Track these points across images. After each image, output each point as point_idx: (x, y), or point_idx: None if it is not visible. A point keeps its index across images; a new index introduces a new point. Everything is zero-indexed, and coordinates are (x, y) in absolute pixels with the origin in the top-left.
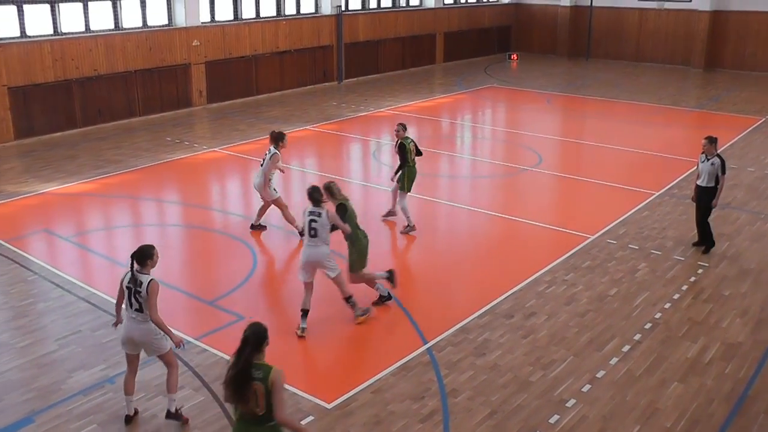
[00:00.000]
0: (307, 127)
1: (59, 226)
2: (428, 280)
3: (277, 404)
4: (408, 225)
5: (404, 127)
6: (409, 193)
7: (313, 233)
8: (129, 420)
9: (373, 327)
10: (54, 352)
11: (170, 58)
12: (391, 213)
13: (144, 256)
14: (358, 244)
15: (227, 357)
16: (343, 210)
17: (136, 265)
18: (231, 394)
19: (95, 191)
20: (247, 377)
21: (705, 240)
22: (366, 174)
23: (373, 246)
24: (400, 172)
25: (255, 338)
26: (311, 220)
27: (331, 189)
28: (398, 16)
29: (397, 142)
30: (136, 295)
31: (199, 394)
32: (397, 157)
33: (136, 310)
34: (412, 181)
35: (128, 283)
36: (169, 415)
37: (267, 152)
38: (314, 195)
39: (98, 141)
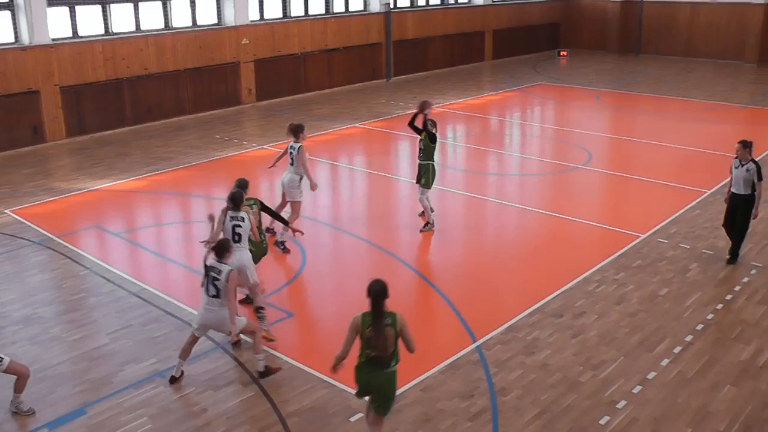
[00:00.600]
0: (356, 125)
1: (110, 222)
2: (477, 278)
3: (409, 340)
4: (428, 223)
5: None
6: (455, 192)
7: (238, 239)
8: (173, 380)
9: (423, 325)
10: (105, 346)
11: (219, 57)
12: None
13: (223, 249)
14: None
15: (276, 353)
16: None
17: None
18: (369, 339)
19: (146, 188)
20: (382, 324)
21: (734, 249)
22: (414, 172)
23: (420, 244)
24: (426, 170)
25: (383, 292)
26: (235, 225)
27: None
28: (447, 13)
29: (424, 137)
30: (215, 281)
31: (248, 389)
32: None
33: (213, 296)
34: (435, 177)
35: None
36: (261, 375)
37: (291, 149)
38: (236, 198)
39: (148, 139)
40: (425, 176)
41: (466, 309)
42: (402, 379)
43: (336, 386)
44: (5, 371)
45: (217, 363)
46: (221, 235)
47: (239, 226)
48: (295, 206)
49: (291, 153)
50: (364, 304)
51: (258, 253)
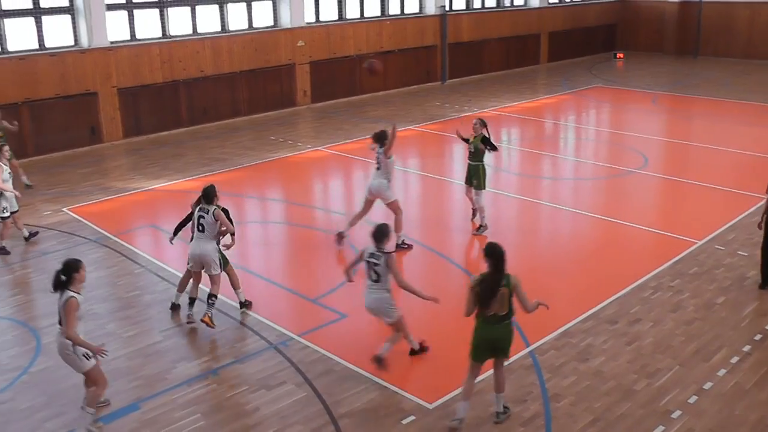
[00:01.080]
0: (411, 127)
1: (165, 221)
2: (530, 282)
3: (523, 297)
4: (482, 225)
5: (483, 123)
6: (508, 195)
7: (201, 228)
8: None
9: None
10: (159, 343)
11: (275, 59)
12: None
13: (382, 235)
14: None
15: (329, 354)
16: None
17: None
18: (486, 299)
19: (200, 189)
20: (499, 284)
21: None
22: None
23: (473, 247)
24: (476, 170)
25: (503, 254)
26: (200, 217)
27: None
28: (502, 16)
29: (475, 137)
30: (375, 267)
31: (301, 390)
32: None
33: (374, 281)
34: (486, 178)
35: (368, 257)
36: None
37: (377, 154)
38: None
39: (204, 140)
40: (476, 177)
41: (519, 313)
42: (454, 383)
43: (388, 388)
44: (85, 373)
45: (271, 362)
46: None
47: (203, 217)
48: (393, 206)
49: (378, 158)
50: (416, 308)
51: None
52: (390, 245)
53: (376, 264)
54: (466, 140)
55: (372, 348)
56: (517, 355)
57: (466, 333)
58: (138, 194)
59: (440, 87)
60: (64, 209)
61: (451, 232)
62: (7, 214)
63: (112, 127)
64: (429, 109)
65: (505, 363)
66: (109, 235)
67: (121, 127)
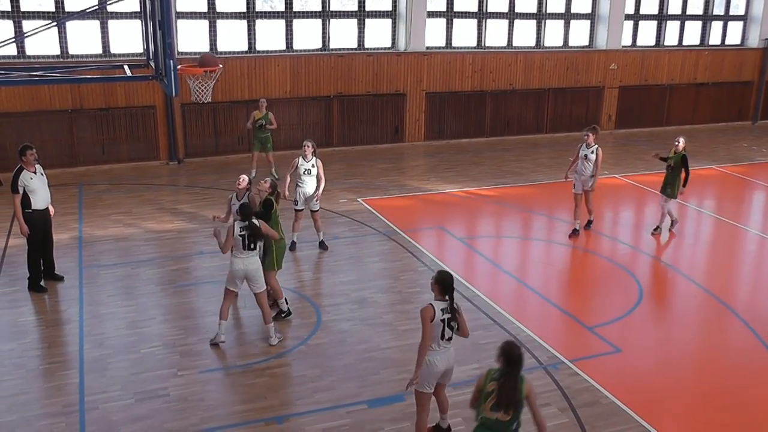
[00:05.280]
0: (713, 166)
1: (453, 225)
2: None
3: (537, 412)
4: (673, 221)
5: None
6: None
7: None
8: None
9: (756, 396)
10: None
11: (585, 80)
12: (674, 223)
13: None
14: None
15: (598, 386)
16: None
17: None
18: (505, 403)
19: (492, 199)
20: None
21: None
22: (766, 225)
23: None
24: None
25: (520, 357)
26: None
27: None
28: None
29: (675, 153)
30: (451, 322)
31: (564, 415)
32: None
33: (448, 339)
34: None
35: (444, 315)
36: None
37: (591, 148)
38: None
39: (502, 152)
40: (671, 187)
41: None
42: None
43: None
44: None
45: (539, 382)
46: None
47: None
48: (588, 196)
49: (585, 150)
50: (687, 355)
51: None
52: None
53: (451, 320)
54: (665, 159)
55: (642, 387)
56: None
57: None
58: (432, 195)
59: (750, 127)
60: (359, 199)
61: (738, 281)
62: (301, 208)
63: (416, 128)
64: (735, 149)
65: None
66: (398, 230)
67: (424, 130)
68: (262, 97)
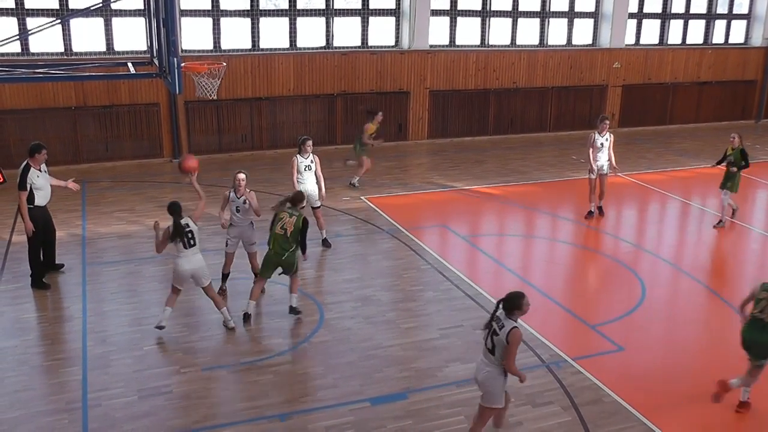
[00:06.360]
0: (716, 165)
1: (456, 223)
2: None
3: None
4: (721, 221)
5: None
6: None
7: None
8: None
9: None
10: (434, 340)
11: (589, 78)
12: (734, 212)
13: (513, 305)
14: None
15: (601, 384)
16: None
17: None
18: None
19: (496, 197)
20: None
21: None
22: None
23: None
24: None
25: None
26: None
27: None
28: None
29: (734, 149)
30: (494, 336)
31: (566, 413)
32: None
33: (489, 350)
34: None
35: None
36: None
37: (605, 135)
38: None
39: (505, 150)
40: (731, 181)
41: None
42: None
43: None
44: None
45: (541, 380)
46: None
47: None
48: (602, 179)
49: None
50: (690, 356)
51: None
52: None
53: (496, 333)
54: (723, 159)
55: (645, 386)
56: None
57: None
58: (435, 193)
59: (753, 126)
60: (362, 197)
61: (741, 280)
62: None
63: (419, 126)
64: None
65: None
66: (401, 228)
67: (427, 128)
68: (380, 112)
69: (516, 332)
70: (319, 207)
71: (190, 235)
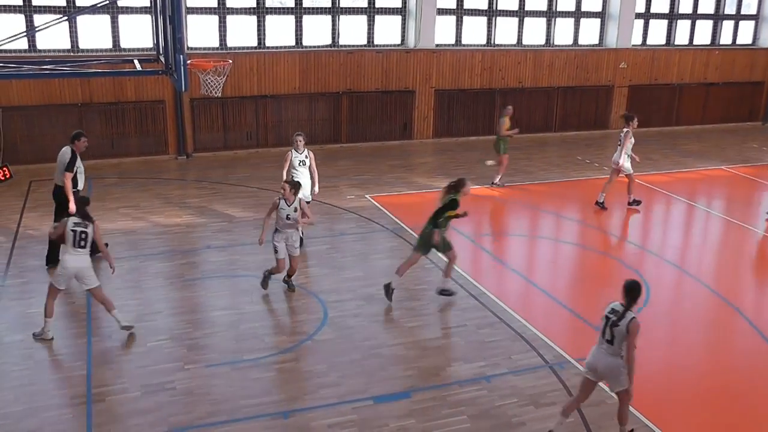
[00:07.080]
0: (722, 167)
1: (460, 222)
2: None
3: None
4: None
5: None
6: None
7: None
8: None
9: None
10: (438, 339)
11: (595, 78)
12: None
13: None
14: None
15: (603, 384)
16: None
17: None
18: None
19: (500, 196)
20: None
21: None
22: None
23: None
24: None
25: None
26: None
27: None
28: None
29: None
30: (613, 327)
31: (569, 415)
32: None
33: (607, 341)
34: None
35: (608, 312)
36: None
37: (620, 132)
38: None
39: (511, 150)
40: None
41: None
42: None
43: None
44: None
45: (544, 381)
46: None
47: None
48: (629, 177)
49: (620, 136)
50: (693, 357)
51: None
52: (636, 307)
53: (615, 324)
54: None
55: (645, 387)
56: None
57: None
58: (439, 193)
59: (760, 128)
60: (366, 196)
61: (744, 282)
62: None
63: (424, 125)
64: (745, 150)
65: None
66: (405, 226)
67: (432, 127)
68: (509, 106)
69: (635, 322)
70: (309, 201)
71: (83, 236)
